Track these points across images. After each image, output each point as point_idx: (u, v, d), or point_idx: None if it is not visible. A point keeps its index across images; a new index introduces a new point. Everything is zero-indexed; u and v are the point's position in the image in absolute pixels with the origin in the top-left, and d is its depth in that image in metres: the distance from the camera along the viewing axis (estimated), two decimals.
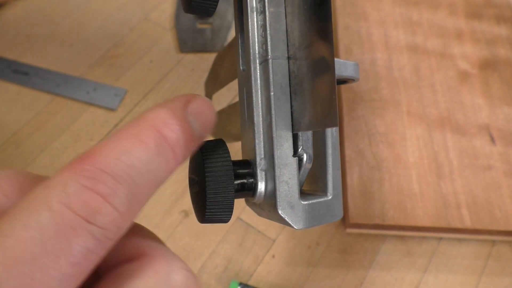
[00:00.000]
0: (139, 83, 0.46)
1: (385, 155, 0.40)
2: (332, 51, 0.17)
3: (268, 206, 0.20)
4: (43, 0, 0.51)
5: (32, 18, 0.49)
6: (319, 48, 0.18)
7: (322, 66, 0.18)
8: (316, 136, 0.22)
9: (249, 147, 0.21)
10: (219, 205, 0.19)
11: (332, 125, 0.17)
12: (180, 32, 0.49)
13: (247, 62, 0.21)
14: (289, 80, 0.20)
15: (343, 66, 0.22)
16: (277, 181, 0.19)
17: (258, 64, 0.21)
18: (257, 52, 0.21)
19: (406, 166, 0.39)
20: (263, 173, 0.20)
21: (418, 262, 0.38)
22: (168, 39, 0.49)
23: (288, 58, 0.20)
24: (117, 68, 0.46)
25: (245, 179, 0.20)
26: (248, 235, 0.38)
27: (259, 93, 0.21)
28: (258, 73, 0.21)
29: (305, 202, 0.20)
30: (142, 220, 0.38)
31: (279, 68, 0.20)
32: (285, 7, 0.21)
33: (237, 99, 0.24)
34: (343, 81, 0.24)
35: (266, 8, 0.20)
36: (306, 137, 0.21)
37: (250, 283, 0.36)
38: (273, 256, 0.37)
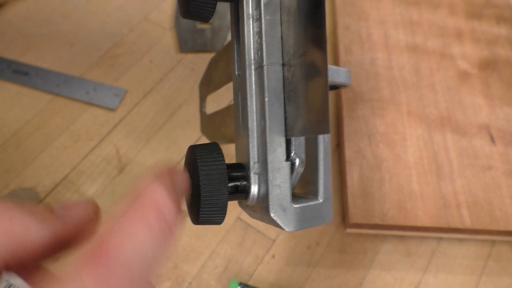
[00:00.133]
0: (139, 83, 0.46)
1: (385, 155, 0.40)
2: (325, 61, 0.17)
3: (260, 209, 0.21)
4: (43, 0, 0.51)
5: (32, 18, 0.49)
6: (313, 57, 0.18)
7: (316, 75, 0.18)
8: (309, 141, 0.23)
9: (243, 150, 0.21)
10: (213, 207, 0.19)
11: (324, 132, 0.17)
12: (180, 32, 0.49)
13: (243, 68, 0.22)
14: (283, 86, 0.21)
15: (336, 73, 0.23)
16: (269, 185, 0.20)
17: (253, 70, 0.21)
18: (252, 58, 0.21)
19: (406, 166, 0.39)
20: (256, 176, 0.21)
21: (418, 262, 0.38)
22: (168, 39, 0.49)
23: (283, 65, 0.21)
24: (117, 68, 0.46)
25: (238, 182, 0.21)
26: (248, 235, 0.38)
27: (254, 98, 0.21)
28: (253, 79, 0.21)
29: (297, 206, 0.20)
30: None
31: (273, 75, 0.20)
32: (280, 15, 0.21)
33: None
34: (335, 86, 0.24)
35: (262, 16, 0.21)
36: (298, 142, 0.21)
37: (250, 283, 0.36)
38: (273, 256, 0.37)
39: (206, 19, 0.21)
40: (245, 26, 0.21)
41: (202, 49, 0.48)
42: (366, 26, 0.48)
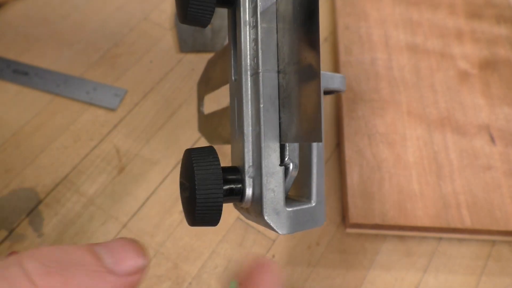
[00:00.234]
0: (139, 83, 0.46)
1: (385, 155, 0.40)
2: (319, 71, 0.17)
3: (255, 211, 0.21)
4: (43, 0, 0.51)
5: (32, 18, 0.49)
6: (307, 66, 0.18)
7: (309, 84, 0.18)
8: (303, 145, 0.23)
9: (238, 154, 0.22)
10: (208, 210, 0.20)
11: (316, 140, 0.18)
12: (180, 32, 0.49)
13: (239, 73, 0.22)
14: (278, 93, 0.21)
15: (330, 79, 0.23)
16: (264, 189, 0.20)
17: (249, 76, 0.22)
18: (248, 64, 0.22)
19: (406, 166, 0.39)
20: (251, 180, 0.21)
21: (418, 262, 0.38)
22: (168, 39, 0.49)
23: (278, 72, 0.21)
24: (117, 68, 0.46)
25: (233, 184, 0.21)
26: (248, 235, 0.38)
27: (249, 104, 0.21)
28: (249, 85, 0.22)
29: (290, 209, 0.21)
30: (143, 220, 0.38)
31: (269, 81, 0.21)
32: (276, 23, 0.21)
33: None
34: (330, 92, 0.25)
35: (259, 24, 0.21)
36: (292, 147, 0.22)
37: None
38: (273, 256, 0.37)
39: (204, 24, 0.22)
40: (242, 33, 0.22)
41: (202, 49, 0.48)
42: (366, 26, 0.48)
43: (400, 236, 0.39)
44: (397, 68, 0.45)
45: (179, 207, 0.39)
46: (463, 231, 0.37)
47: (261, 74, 0.21)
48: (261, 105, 0.21)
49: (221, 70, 0.29)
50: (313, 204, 0.22)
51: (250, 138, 0.21)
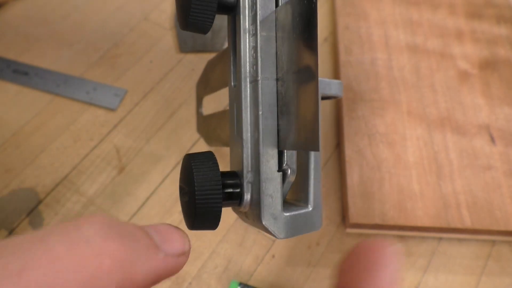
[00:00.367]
0: (139, 83, 0.46)
1: (385, 155, 0.40)
2: (317, 81, 0.18)
3: (252, 215, 0.22)
4: (43, 0, 0.51)
5: (32, 18, 0.49)
6: (305, 75, 0.19)
7: (307, 93, 0.19)
8: (300, 151, 0.23)
9: (237, 159, 0.22)
10: (208, 215, 0.20)
11: (313, 149, 0.18)
12: (180, 32, 0.49)
13: (238, 80, 0.22)
14: (277, 100, 0.21)
15: (327, 86, 0.24)
16: (262, 194, 0.21)
17: (248, 83, 0.22)
18: (247, 71, 0.22)
19: (406, 166, 0.39)
20: (250, 185, 0.21)
21: (418, 262, 0.38)
22: (168, 39, 0.49)
23: (277, 79, 0.21)
24: (117, 68, 0.46)
25: (232, 189, 0.21)
26: (248, 235, 0.38)
27: (248, 110, 0.22)
28: (248, 91, 0.22)
29: (287, 214, 0.21)
30: (143, 220, 0.38)
31: (268, 89, 0.21)
32: (276, 31, 0.21)
33: None
34: (327, 97, 0.25)
35: (258, 32, 0.21)
36: (290, 152, 0.22)
37: (250, 283, 0.36)
38: (273, 256, 0.37)
39: (205, 31, 0.22)
40: (242, 40, 0.22)
41: (202, 49, 0.48)
42: (366, 26, 0.48)
43: (400, 236, 0.39)
44: (397, 68, 0.45)
45: (179, 207, 0.39)
46: (463, 231, 0.37)
47: (260, 81, 0.21)
48: (260, 112, 0.21)
49: (221, 73, 0.29)
50: (310, 209, 0.22)
51: (248, 144, 0.22)
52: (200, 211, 0.20)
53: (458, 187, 0.39)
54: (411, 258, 0.38)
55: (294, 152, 0.22)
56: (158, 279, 0.15)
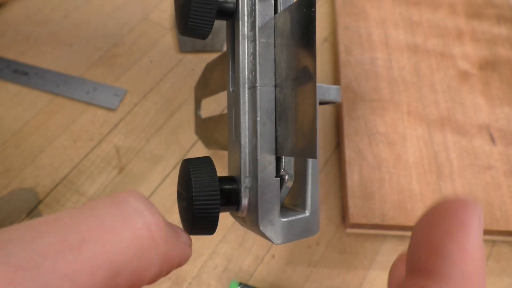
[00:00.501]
0: (139, 83, 0.46)
1: (385, 155, 0.40)
2: (315, 89, 0.18)
3: (250, 221, 0.22)
4: (43, 0, 0.51)
5: (32, 18, 0.49)
6: (303, 83, 0.19)
7: (305, 101, 0.19)
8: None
9: (235, 164, 0.22)
10: (205, 220, 0.20)
11: (311, 157, 0.18)
12: None
13: (237, 85, 0.22)
14: (275, 106, 0.21)
15: (326, 91, 0.24)
16: (259, 200, 0.21)
17: (247, 89, 0.22)
18: (246, 77, 0.22)
19: (406, 166, 0.39)
20: (247, 190, 0.21)
21: None
22: (168, 39, 0.49)
23: (275, 86, 0.21)
24: (117, 68, 0.46)
25: (230, 194, 0.21)
26: (248, 235, 0.38)
27: (247, 116, 0.22)
28: (247, 97, 0.22)
29: (285, 219, 0.21)
30: None
31: (266, 95, 0.21)
32: (274, 38, 0.21)
33: None
34: (325, 103, 0.25)
35: (257, 38, 0.21)
36: (288, 158, 0.22)
37: (250, 283, 0.36)
38: (273, 256, 0.37)
39: (203, 36, 0.22)
40: (240, 46, 0.22)
41: (202, 49, 0.48)
42: (366, 26, 0.48)
43: (400, 236, 0.39)
44: (397, 68, 0.45)
45: None
46: None
47: (258, 88, 0.21)
48: (258, 118, 0.21)
49: (219, 76, 0.29)
50: (308, 214, 0.22)
51: (246, 150, 0.22)
52: (198, 216, 0.20)
53: (458, 187, 0.38)
54: None
55: (292, 158, 0.22)
56: (180, 264, 0.16)
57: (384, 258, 0.38)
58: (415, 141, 0.41)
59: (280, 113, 0.21)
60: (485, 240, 0.39)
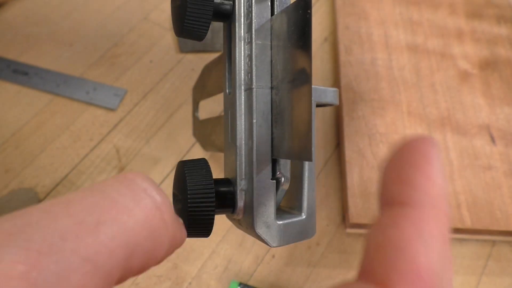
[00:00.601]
0: (139, 83, 0.46)
1: (385, 155, 0.40)
2: (310, 92, 0.18)
3: (246, 223, 0.22)
4: (43, 0, 0.51)
5: (32, 18, 0.49)
6: (299, 86, 0.19)
7: (301, 104, 0.18)
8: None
9: (231, 166, 0.22)
10: (201, 222, 0.20)
11: (306, 159, 0.18)
12: None
13: (233, 87, 0.22)
14: (271, 109, 0.21)
15: (323, 93, 0.24)
16: (255, 202, 0.21)
17: (243, 91, 0.22)
18: (242, 79, 0.22)
19: None
20: (243, 192, 0.21)
21: None
22: (168, 39, 0.49)
23: (272, 88, 0.21)
24: (117, 68, 0.46)
25: (225, 197, 0.21)
26: (248, 235, 0.38)
27: (243, 118, 0.22)
28: (243, 99, 0.22)
29: (281, 222, 0.21)
30: None
31: (262, 97, 0.21)
32: (271, 40, 0.21)
33: None
34: (322, 105, 0.25)
35: (253, 40, 0.21)
36: (284, 161, 0.22)
37: (250, 283, 0.36)
38: (273, 256, 0.37)
39: (199, 38, 0.22)
40: (237, 48, 0.22)
41: (202, 49, 0.48)
42: (366, 26, 0.48)
43: None
44: (397, 68, 0.45)
45: None
46: (463, 231, 0.37)
47: (254, 90, 0.21)
48: (254, 121, 0.21)
49: (216, 78, 0.29)
50: (304, 217, 0.22)
51: (242, 152, 0.21)
52: (193, 218, 0.19)
53: (458, 187, 0.38)
54: None
55: (288, 160, 0.22)
56: (180, 245, 0.16)
57: None
58: None
59: (276, 115, 0.21)
60: (485, 240, 0.39)
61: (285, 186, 0.22)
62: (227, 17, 0.22)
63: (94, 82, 0.45)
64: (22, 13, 0.49)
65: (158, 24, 0.50)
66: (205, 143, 0.35)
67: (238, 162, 0.21)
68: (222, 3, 0.22)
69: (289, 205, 0.24)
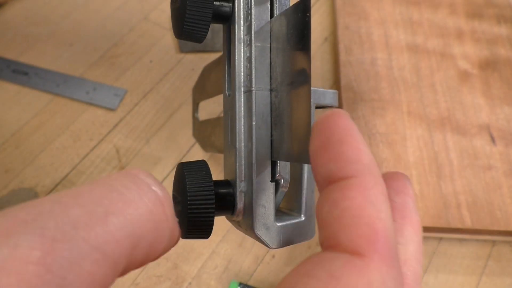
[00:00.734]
0: (139, 83, 0.46)
1: (385, 155, 0.40)
2: (309, 95, 0.18)
3: (245, 225, 0.22)
4: (43, 0, 0.51)
5: (32, 18, 0.49)
6: (298, 89, 0.19)
7: (300, 107, 0.18)
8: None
9: (231, 168, 0.22)
10: (200, 224, 0.20)
11: (305, 162, 0.18)
12: None
13: (233, 89, 0.22)
14: (271, 111, 0.21)
15: (322, 96, 0.24)
16: (254, 204, 0.21)
17: (242, 93, 0.22)
18: (242, 81, 0.22)
19: (406, 166, 0.39)
20: (242, 194, 0.21)
21: None
22: (168, 39, 0.49)
23: (271, 90, 0.21)
24: (117, 68, 0.46)
25: (225, 198, 0.21)
26: None
27: (242, 120, 0.22)
28: (242, 101, 0.22)
29: (280, 224, 0.21)
30: None
31: (261, 99, 0.21)
32: (270, 42, 0.21)
33: None
34: (321, 107, 0.25)
35: (253, 42, 0.21)
36: (284, 162, 0.22)
37: (250, 283, 0.36)
38: (273, 256, 0.37)
39: (199, 40, 0.22)
40: (236, 50, 0.22)
41: (202, 49, 0.48)
42: (366, 26, 0.48)
43: None
44: (397, 68, 0.45)
45: None
46: (463, 231, 0.37)
47: (254, 92, 0.21)
48: (254, 123, 0.21)
49: (216, 79, 0.29)
50: (303, 219, 0.22)
51: (242, 154, 0.21)
52: (193, 220, 0.19)
53: (458, 187, 0.38)
54: None
55: (288, 162, 0.22)
56: (177, 241, 0.17)
57: None
58: (415, 141, 0.41)
59: (276, 117, 0.21)
60: (485, 240, 0.39)
61: (284, 188, 0.22)
62: (226, 19, 0.22)
63: (94, 82, 0.45)
64: (22, 13, 0.49)
65: (158, 24, 0.50)
66: (205, 144, 0.35)
67: (237, 164, 0.21)
68: (222, 5, 0.22)
69: (288, 207, 0.24)
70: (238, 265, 0.37)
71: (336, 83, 0.46)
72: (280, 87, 0.20)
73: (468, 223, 0.37)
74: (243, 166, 0.21)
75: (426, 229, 0.37)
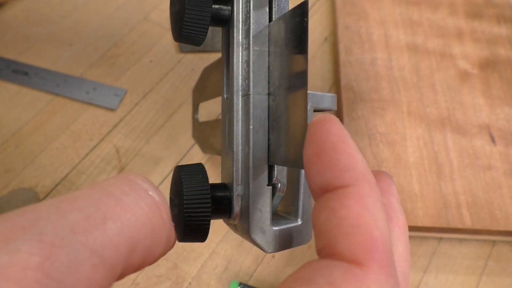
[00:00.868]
0: (139, 83, 0.46)
1: (385, 155, 0.40)
2: (306, 101, 0.18)
3: (242, 228, 0.22)
4: (43, 0, 0.51)
5: (32, 18, 0.49)
6: (295, 93, 0.19)
7: (297, 112, 0.18)
8: None
9: (228, 171, 0.22)
10: (196, 228, 0.20)
11: (301, 167, 0.18)
12: None
13: (231, 93, 0.22)
14: (268, 115, 0.21)
15: (320, 99, 0.24)
16: (251, 208, 0.21)
17: (240, 96, 0.22)
18: (240, 85, 0.22)
19: (406, 166, 0.39)
20: (239, 198, 0.21)
21: (418, 262, 0.38)
22: (168, 39, 0.49)
23: (269, 94, 0.21)
24: (117, 68, 0.46)
25: (222, 202, 0.21)
26: None
27: (240, 124, 0.22)
28: (240, 105, 0.22)
29: (276, 228, 0.21)
30: None
31: (259, 103, 0.21)
32: (268, 46, 0.21)
33: None
34: (320, 110, 0.25)
35: (251, 46, 0.21)
36: (281, 167, 0.22)
37: (250, 283, 0.36)
38: (273, 256, 0.37)
39: (198, 43, 0.22)
40: (235, 54, 0.22)
41: (202, 49, 0.48)
42: (366, 26, 0.48)
43: None
44: (397, 68, 0.45)
45: None
46: (463, 231, 0.37)
47: (251, 96, 0.21)
48: (251, 127, 0.21)
49: (216, 81, 0.29)
50: (300, 223, 0.22)
51: (239, 157, 0.21)
52: (189, 224, 0.19)
53: (458, 187, 0.38)
54: (411, 258, 0.38)
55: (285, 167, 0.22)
56: (173, 245, 0.17)
57: None
58: (415, 141, 0.41)
59: (273, 121, 0.21)
60: (485, 240, 0.39)
61: (281, 192, 0.22)
62: (225, 22, 0.22)
63: (94, 82, 0.45)
64: (22, 13, 0.49)
65: (158, 24, 0.50)
66: (204, 145, 0.35)
67: (234, 168, 0.21)
68: (221, 9, 0.22)
69: (285, 210, 0.24)
70: (238, 265, 0.37)
71: (336, 83, 0.46)
72: (278, 91, 0.20)
73: (468, 223, 0.37)
74: (240, 170, 0.21)
75: (426, 229, 0.37)
